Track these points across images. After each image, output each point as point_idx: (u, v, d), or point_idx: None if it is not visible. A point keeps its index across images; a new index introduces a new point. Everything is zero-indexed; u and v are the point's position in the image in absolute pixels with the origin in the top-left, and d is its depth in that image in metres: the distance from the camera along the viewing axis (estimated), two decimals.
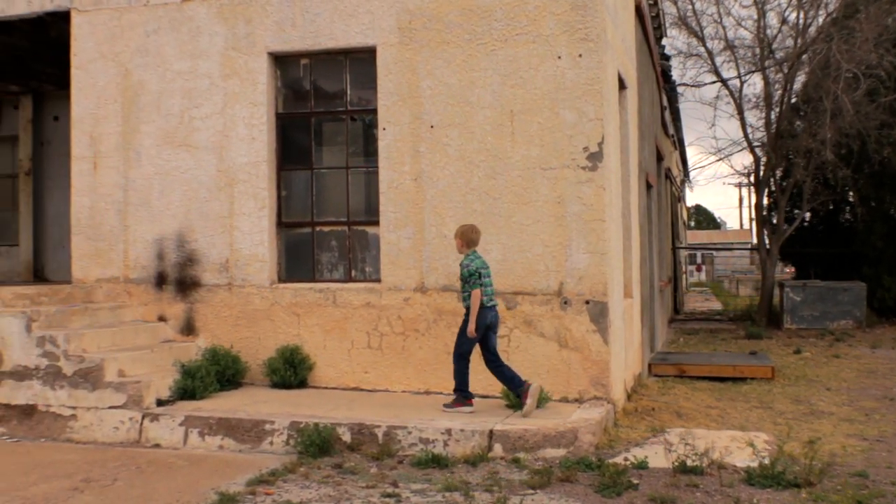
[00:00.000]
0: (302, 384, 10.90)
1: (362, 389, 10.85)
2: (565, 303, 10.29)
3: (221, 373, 10.67)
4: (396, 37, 10.80)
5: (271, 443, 9.06)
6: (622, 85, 12.47)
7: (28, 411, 9.94)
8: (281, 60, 11.43)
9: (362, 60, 11.17)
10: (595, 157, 10.19)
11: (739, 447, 8.82)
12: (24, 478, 8.06)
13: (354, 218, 11.28)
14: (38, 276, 16.18)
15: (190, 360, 10.70)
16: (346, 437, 8.85)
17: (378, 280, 10.97)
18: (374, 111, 11.02)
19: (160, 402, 9.85)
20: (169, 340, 11.43)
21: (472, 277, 9.50)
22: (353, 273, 11.24)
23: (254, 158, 11.24)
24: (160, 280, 11.58)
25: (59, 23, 12.33)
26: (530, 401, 9.34)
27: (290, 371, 10.84)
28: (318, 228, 11.40)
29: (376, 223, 11.03)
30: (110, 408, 9.66)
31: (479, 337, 9.58)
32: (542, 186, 10.34)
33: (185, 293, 11.48)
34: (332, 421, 8.97)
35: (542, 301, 10.35)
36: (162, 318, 11.56)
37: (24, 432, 9.91)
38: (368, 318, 10.85)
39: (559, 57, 10.33)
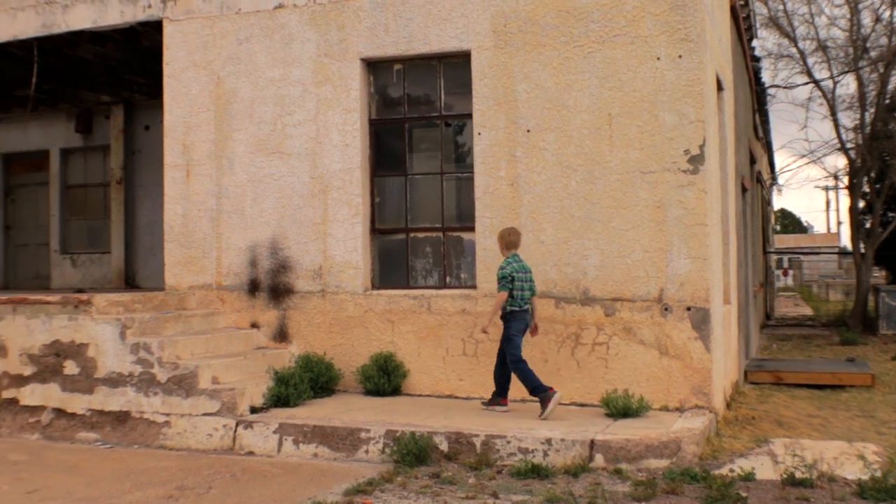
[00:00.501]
0: (395, 391, 10.78)
1: (457, 397, 10.69)
2: (666, 309, 10.02)
3: (315, 380, 10.59)
4: (491, 40, 10.64)
5: (367, 451, 8.93)
6: (719, 86, 12.17)
7: (121, 418, 9.97)
8: (373, 66, 11.34)
9: (456, 65, 11.03)
10: (696, 160, 9.92)
11: (848, 459, 8.50)
12: (118, 485, 8.03)
13: (449, 224, 11.14)
14: (130, 283, 16.34)
15: (283, 367, 10.66)
16: (443, 446, 8.67)
17: (473, 286, 10.81)
18: (469, 116, 10.87)
19: (254, 410, 9.79)
20: (261, 347, 11.40)
21: (503, 280, 9.62)
22: (448, 280, 11.10)
23: (347, 165, 11.16)
24: (253, 287, 11.56)
25: (151, 32, 12.42)
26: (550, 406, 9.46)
27: (384, 378, 10.72)
28: (412, 235, 11.28)
29: (471, 229, 10.87)
30: (204, 415, 9.63)
31: (520, 340, 9.73)
32: (642, 190, 10.09)
33: (278, 300, 11.44)
34: (428, 429, 8.81)
35: (642, 308, 10.10)
36: (254, 325, 11.54)
37: (118, 438, 9.93)
38: (464, 324, 10.69)
39: (658, 58, 10.07)
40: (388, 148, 11.44)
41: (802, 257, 50.20)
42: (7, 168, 18.14)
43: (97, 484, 8.08)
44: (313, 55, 11.36)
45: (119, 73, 14.81)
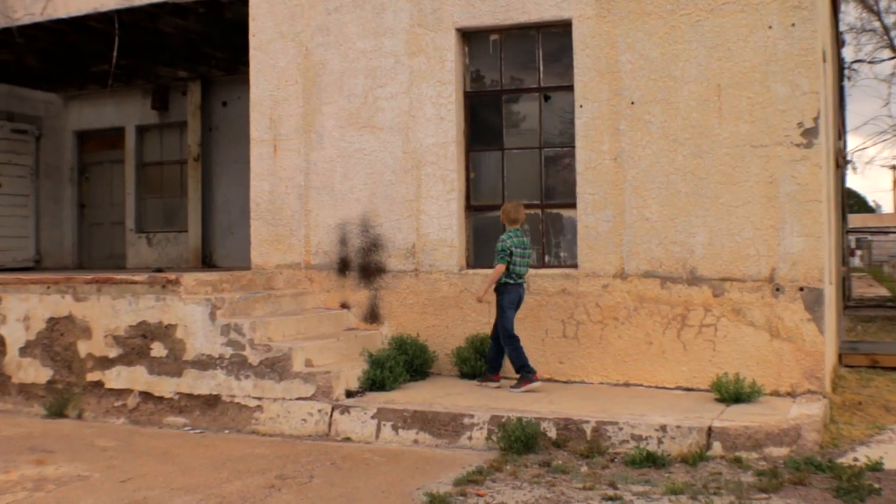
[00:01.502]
0: None
1: (556, 380, 10.27)
2: (777, 289, 9.53)
3: (409, 363, 10.22)
4: (593, 9, 10.16)
5: (470, 438, 8.53)
6: (823, 57, 11.58)
7: (211, 401, 9.65)
8: (469, 36, 10.90)
9: (556, 35, 10.57)
10: (810, 133, 9.39)
11: None
12: (215, 473, 7.67)
13: (548, 200, 10.68)
14: (207, 262, 16.06)
15: (376, 349, 10.31)
16: (552, 433, 8.26)
17: (574, 266, 10.37)
18: (569, 88, 10.41)
19: (349, 394, 9.44)
20: (352, 328, 11.04)
21: (502, 252, 9.66)
22: (547, 258, 10.66)
23: (442, 139, 10.75)
24: (343, 266, 11.20)
25: (235, 4, 12.05)
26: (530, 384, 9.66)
27: (480, 361, 10.31)
28: None
29: (571, 206, 10.43)
30: (298, 399, 9.28)
31: (514, 312, 9.80)
32: (752, 165, 9.58)
33: (369, 279, 11.07)
34: (535, 415, 8.40)
35: (752, 288, 9.60)
36: (344, 306, 11.18)
37: (208, 423, 9.62)
38: (564, 305, 10.26)
39: (770, 27, 9.54)
40: (483, 121, 11.00)
41: (871, 237, 49.01)
42: (81, 146, 17.89)
43: (193, 472, 7.75)
44: (406, 25, 10.93)
45: (198, 48, 14.46)
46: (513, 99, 10.91)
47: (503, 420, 8.39)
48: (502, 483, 7.21)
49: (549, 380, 10.27)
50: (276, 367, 9.40)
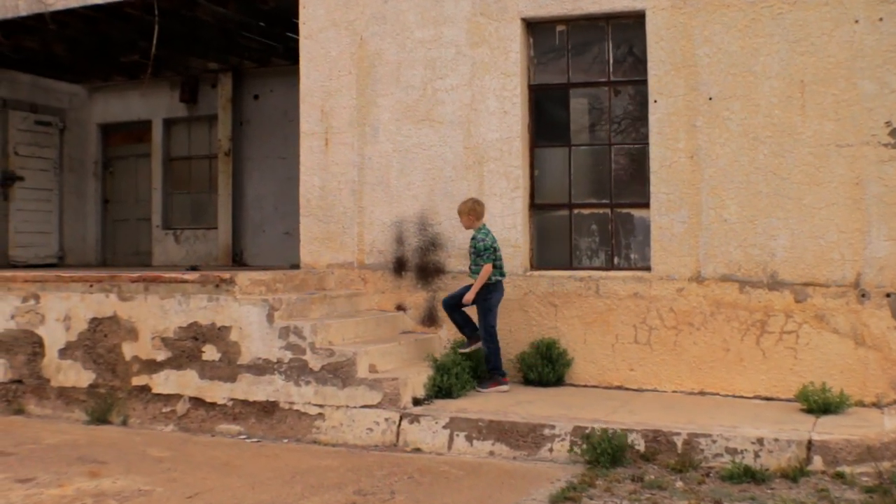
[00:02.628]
0: (559, 381, 9.88)
1: (627, 388, 9.78)
2: (863, 295, 9.05)
3: (474, 368, 9.68)
4: None
5: (551, 450, 8.03)
6: None
7: (268, 409, 9.12)
8: (534, 27, 10.38)
9: (626, 26, 10.07)
10: None
11: None
12: (287, 489, 7.12)
13: (617, 199, 10.16)
14: (237, 260, 15.50)
15: (438, 353, 9.80)
16: (640, 446, 7.77)
17: (646, 268, 9.87)
18: (641, 82, 9.92)
19: (416, 401, 8.92)
20: (408, 331, 10.53)
21: (486, 252, 9.48)
22: (616, 260, 10.15)
23: (506, 134, 10.23)
24: (399, 266, 10.67)
25: None
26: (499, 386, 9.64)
27: (548, 367, 9.83)
28: (575, 211, 10.32)
29: (643, 205, 9.94)
30: (363, 407, 8.75)
31: (497, 310, 9.66)
32: (837, 165, 9.10)
33: (427, 280, 10.55)
34: (620, 426, 7.91)
35: (837, 294, 9.12)
36: (400, 308, 10.66)
37: (264, 431, 9.09)
38: (636, 309, 9.76)
39: (856, 21, 9.06)
40: (548, 116, 10.49)
41: None
42: (105, 139, 17.26)
43: (262, 486, 7.20)
44: (468, 14, 10.41)
45: (233, 38, 13.90)
46: (580, 93, 10.39)
47: (587, 431, 7.90)
48: (598, 500, 6.74)
49: (619, 387, 9.81)
50: (339, 372, 8.86)
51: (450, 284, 10.42)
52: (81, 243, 16.87)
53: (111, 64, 15.25)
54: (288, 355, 9.06)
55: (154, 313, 9.66)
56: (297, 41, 14.11)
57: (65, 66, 15.57)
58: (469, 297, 9.55)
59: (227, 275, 9.42)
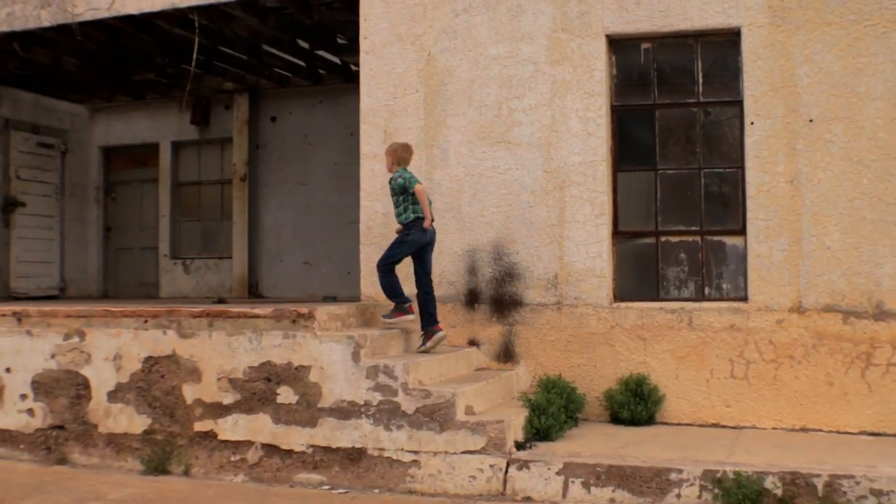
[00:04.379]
0: (650, 420, 9.26)
1: (722, 425, 9.20)
2: None
3: (565, 406, 9.02)
4: (766, 16, 9.17)
5: (678, 496, 7.38)
6: None
7: (353, 456, 8.33)
8: (616, 44, 9.81)
9: (718, 44, 9.55)
10: None
11: None
12: None
13: (708, 227, 9.60)
14: (253, 292, 14.62)
15: (518, 391, 9.22)
16: (777, 489, 7.17)
17: (742, 298, 9.31)
18: (734, 103, 9.42)
19: (518, 445, 8.21)
20: (482, 368, 9.84)
21: (410, 181, 9.04)
22: (707, 290, 9.57)
23: (589, 157, 9.62)
24: (471, 298, 9.97)
25: (332, 4, 10.82)
26: (430, 343, 9.22)
27: (640, 405, 9.19)
28: (662, 239, 9.73)
29: (735, 232, 9.40)
30: (464, 453, 8.00)
31: (408, 252, 9.20)
32: None
33: (503, 313, 9.86)
34: (753, 469, 7.31)
35: None
36: (473, 343, 9.95)
37: (350, 481, 8.29)
38: (732, 342, 9.19)
39: None
40: (633, 138, 9.90)
41: None
42: (107, 163, 16.23)
43: None
44: (548, 30, 9.80)
45: (259, 56, 13.14)
46: (667, 114, 9.81)
47: (718, 475, 7.29)
48: None
49: (714, 425, 9.22)
50: (436, 415, 8.12)
51: (528, 318, 9.76)
52: (83, 274, 15.82)
53: (123, 81, 14.35)
54: (377, 397, 8.30)
55: (220, 352, 8.82)
56: (323, 60, 13.51)
57: (70, 84, 14.65)
58: (430, 220, 9.11)
59: (305, 309, 8.63)
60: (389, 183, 9.20)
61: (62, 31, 11.72)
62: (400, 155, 9.26)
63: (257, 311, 8.79)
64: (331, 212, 13.99)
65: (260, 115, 14.91)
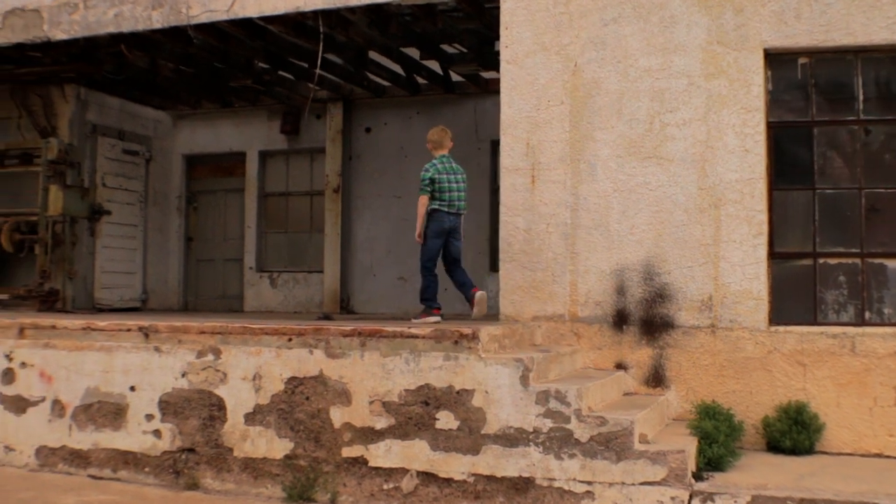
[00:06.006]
0: (810, 449, 8.84)
1: (888, 456, 8.78)
2: None
3: (727, 435, 8.60)
4: None
5: None
6: None
7: (520, 486, 7.88)
8: (772, 58, 9.42)
9: (879, 60, 9.19)
10: None
11: None
12: None
13: (869, 249, 9.21)
14: (344, 307, 14.16)
15: (669, 418, 8.82)
16: None
17: None
18: None
19: (695, 476, 7.79)
20: (630, 393, 9.43)
21: (422, 183, 9.46)
22: (867, 315, 9.18)
23: (747, 175, 9.23)
24: (620, 320, 9.56)
25: (455, 11, 10.44)
26: (476, 308, 9.43)
27: (803, 433, 8.78)
28: (820, 260, 9.33)
29: None
30: (643, 484, 7.58)
31: (438, 244, 9.48)
32: None
33: (653, 336, 9.45)
34: None
35: None
36: (620, 366, 9.54)
37: None
38: None
39: None
40: (788, 156, 9.51)
41: None
42: (190, 172, 15.78)
43: None
44: (702, 42, 9.42)
45: (366, 64, 12.73)
46: (825, 131, 9.43)
47: None
48: None
49: (877, 455, 8.83)
50: (611, 444, 7.69)
51: (680, 340, 9.35)
52: (163, 285, 15.34)
53: (213, 87, 13.91)
54: (547, 424, 7.86)
55: (373, 373, 8.38)
56: (427, 70, 13.11)
57: (156, 89, 14.20)
58: (417, 234, 9.58)
59: (468, 329, 8.19)
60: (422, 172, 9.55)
61: (169, 33, 11.31)
62: (432, 139, 9.63)
63: (416, 331, 8.36)
64: None
65: (353, 125, 14.49)
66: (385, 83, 13.90)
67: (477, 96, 13.93)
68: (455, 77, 13.66)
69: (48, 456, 9.43)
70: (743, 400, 9.14)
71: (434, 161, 9.50)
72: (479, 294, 9.40)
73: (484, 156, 13.96)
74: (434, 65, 13.34)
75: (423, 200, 9.43)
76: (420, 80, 13.77)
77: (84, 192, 13.03)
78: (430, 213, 9.44)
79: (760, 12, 9.28)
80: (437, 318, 9.39)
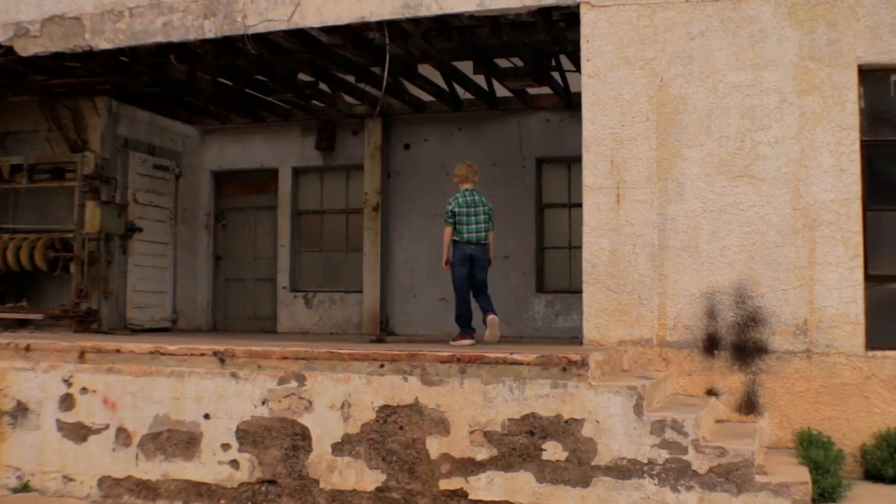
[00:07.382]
0: None
1: None
2: None
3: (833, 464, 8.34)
4: None
5: None
6: None
7: None
8: (865, 74, 9.21)
9: None
10: None
11: None
12: None
13: None
14: (384, 329, 13.72)
15: (766, 445, 8.55)
16: None
17: None
18: None
19: None
20: (722, 420, 9.12)
21: (446, 215, 9.94)
22: None
23: (842, 195, 8.99)
24: (710, 344, 9.25)
25: (529, 24, 10.13)
26: (488, 332, 9.84)
27: None
28: None
29: None
30: None
31: (464, 271, 9.86)
32: None
33: (745, 362, 9.16)
34: None
35: None
36: (711, 392, 9.23)
37: None
38: None
39: None
40: (883, 175, 9.29)
41: None
42: (218, 188, 15.25)
43: None
44: (794, 58, 9.18)
45: (414, 77, 12.36)
46: None
47: None
48: None
49: None
50: (732, 476, 7.37)
51: (774, 366, 9.07)
52: (191, 305, 14.80)
53: (246, 101, 13.45)
54: (663, 455, 7.53)
55: (473, 402, 8.00)
56: (472, 83, 12.78)
57: (185, 104, 13.71)
58: (444, 261, 10.10)
59: (576, 356, 7.84)
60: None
61: (218, 44, 10.85)
62: (457, 173, 10.04)
63: (518, 357, 7.99)
64: None
65: (392, 141, 14.09)
66: (428, 98, 13.50)
67: (521, 113, 13.61)
68: (499, 92, 13.33)
69: (112, 486, 8.93)
70: (839, 427, 8.88)
71: (457, 195, 9.91)
72: (490, 318, 9.81)
73: (529, 174, 13.61)
74: (480, 79, 13.01)
75: (448, 231, 9.90)
76: (465, 95, 13.40)
77: (121, 208, 12.50)
78: (454, 243, 9.92)
79: (854, 27, 9.06)
80: (471, 341, 9.68)
